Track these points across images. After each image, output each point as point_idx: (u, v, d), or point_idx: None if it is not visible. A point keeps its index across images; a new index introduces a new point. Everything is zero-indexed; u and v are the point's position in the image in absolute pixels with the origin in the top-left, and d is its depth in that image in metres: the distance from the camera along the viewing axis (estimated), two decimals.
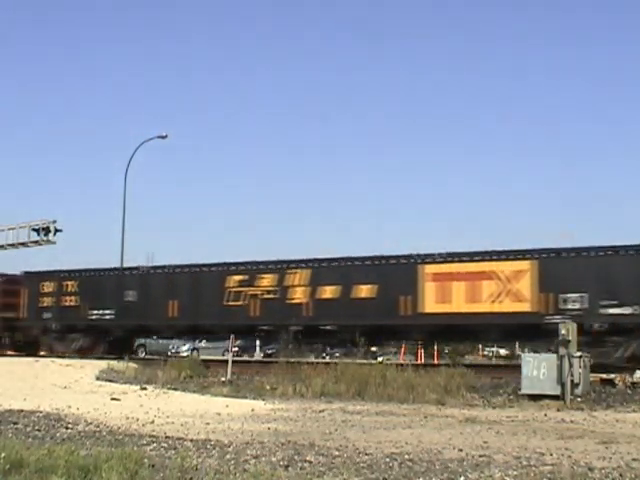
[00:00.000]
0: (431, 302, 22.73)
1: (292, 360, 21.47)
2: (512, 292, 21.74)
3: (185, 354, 45.82)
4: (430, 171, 79.82)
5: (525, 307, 21.54)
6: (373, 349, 30.02)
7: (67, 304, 29.35)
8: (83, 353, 28.18)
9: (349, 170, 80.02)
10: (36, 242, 35.47)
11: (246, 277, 25.93)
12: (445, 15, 78.25)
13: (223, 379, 20.38)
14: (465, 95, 79.70)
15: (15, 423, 11.41)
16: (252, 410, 14.38)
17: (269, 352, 38.70)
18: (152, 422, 12.25)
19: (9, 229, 36.51)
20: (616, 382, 17.93)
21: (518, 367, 17.53)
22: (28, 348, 30.18)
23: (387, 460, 8.72)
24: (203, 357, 33.23)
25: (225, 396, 17.20)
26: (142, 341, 37.38)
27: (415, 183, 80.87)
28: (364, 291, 23.82)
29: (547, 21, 74.37)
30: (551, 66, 75.87)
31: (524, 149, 76.66)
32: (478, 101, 79.97)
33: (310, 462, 8.53)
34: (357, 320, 23.44)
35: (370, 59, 78.20)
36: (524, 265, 21.83)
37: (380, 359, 26.66)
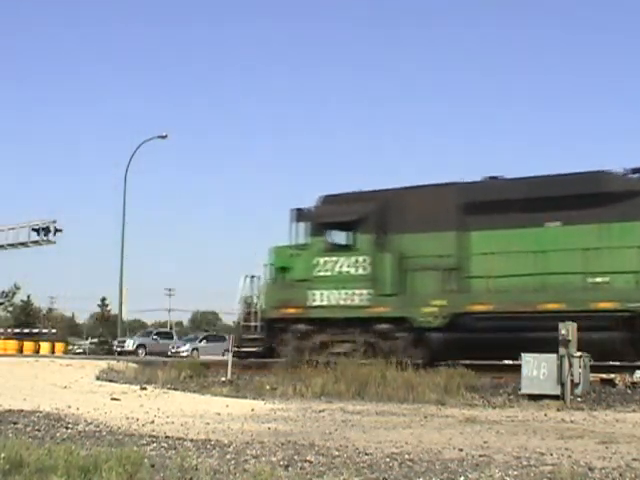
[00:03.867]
0: None
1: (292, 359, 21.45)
2: None
3: (185, 354, 45.93)
4: None
5: None
6: None
7: None
8: None
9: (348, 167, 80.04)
10: (36, 242, 35.57)
11: None
12: None
13: (223, 379, 20.37)
14: None
15: (15, 423, 11.39)
16: (252, 410, 14.38)
17: None
18: (152, 422, 12.24)
19: (9, 229, 36.61)
20: (616, 382, 17.93)
21: (518, 367, 17.51)
22: None
23: (387, 460, 8.72)
24: (203, 357, 33.24)
25: (225, 396, 17.18)
26: None
27: None
28: None
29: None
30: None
31: None
32: None
33: (310, 462, 8.52)
34: None
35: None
36: None
37: None
